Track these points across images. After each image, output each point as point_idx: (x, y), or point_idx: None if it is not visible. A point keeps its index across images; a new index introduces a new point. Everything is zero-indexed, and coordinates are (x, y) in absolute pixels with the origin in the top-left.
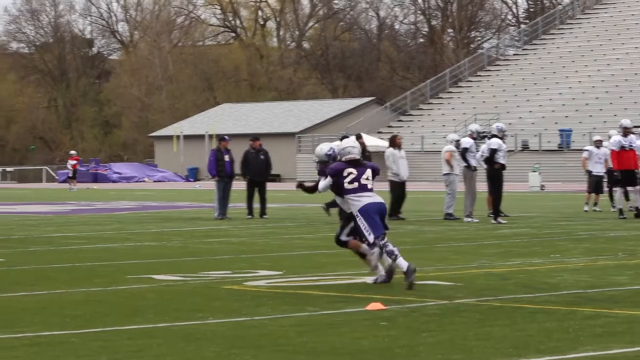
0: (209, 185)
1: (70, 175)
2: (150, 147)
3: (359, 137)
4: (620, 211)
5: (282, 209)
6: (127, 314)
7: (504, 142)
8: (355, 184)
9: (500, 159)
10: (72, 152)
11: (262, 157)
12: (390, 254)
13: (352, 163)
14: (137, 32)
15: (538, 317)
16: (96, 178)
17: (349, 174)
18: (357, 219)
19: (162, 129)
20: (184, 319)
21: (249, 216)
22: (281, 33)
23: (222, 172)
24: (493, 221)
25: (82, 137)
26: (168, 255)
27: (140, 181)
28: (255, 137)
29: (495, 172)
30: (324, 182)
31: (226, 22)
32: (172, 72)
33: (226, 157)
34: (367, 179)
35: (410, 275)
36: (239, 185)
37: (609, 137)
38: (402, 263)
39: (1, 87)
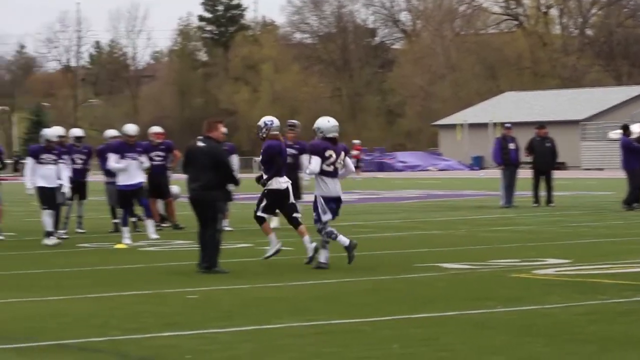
0: (494, 173)
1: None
2: (434, 136)
3: None
4: None
5: (568, 196)
6: (417, 302)
7: None
8: (331, 168)
9: None
10: (355, 141)
11: (548, 144)
12: (330, 234)
13: (331, 141)
14: (419, 21)
15: None
16: (382, 167)
17: (330, 155)
18: (317, 199)
19: (445, 117)
20: (473, 307)
21: (535, 204)
22: (564, 20)
23: (507, 160)
24: None
25: (366, 127)
26: (455, 244)
27: (425, 170)
28: (541, 125)
29: None
30: (316, 162)
31: (508, 10)
32: (455, 61)
33: (511, 145)
34: (339, 162)
35: (351, 251)
36: (525, 174)
37: None
38: (343, 240)
39: (285, 78)
